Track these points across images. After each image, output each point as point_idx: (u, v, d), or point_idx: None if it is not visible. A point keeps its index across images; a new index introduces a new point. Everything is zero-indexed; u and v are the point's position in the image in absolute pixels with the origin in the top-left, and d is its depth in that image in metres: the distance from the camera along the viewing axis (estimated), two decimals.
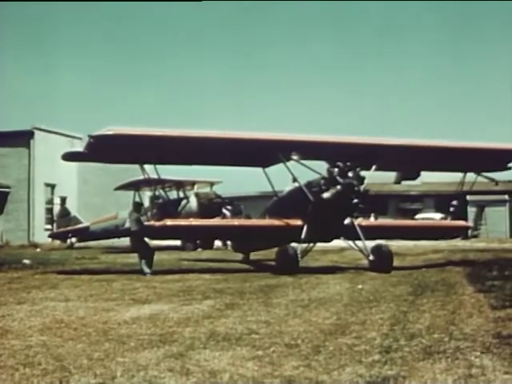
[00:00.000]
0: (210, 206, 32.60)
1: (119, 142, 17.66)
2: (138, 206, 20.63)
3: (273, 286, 14.72)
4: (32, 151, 41.16)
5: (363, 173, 18.80)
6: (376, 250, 18.78)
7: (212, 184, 36.11)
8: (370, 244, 19.02)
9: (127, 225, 29.23)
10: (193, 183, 35.95)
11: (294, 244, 18.50)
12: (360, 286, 14.23)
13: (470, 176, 21.14)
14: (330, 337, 8.69)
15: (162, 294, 13.72)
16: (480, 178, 20.79)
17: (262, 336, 8.81)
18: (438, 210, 48.55)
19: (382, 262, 18.31)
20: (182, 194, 33.75)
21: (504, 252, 27.26)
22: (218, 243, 33.64)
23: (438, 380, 6.53)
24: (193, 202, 32.71)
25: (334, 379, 6.67)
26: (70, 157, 21.80)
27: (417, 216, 49.28)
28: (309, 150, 18.71)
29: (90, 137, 17.68)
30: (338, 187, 18.05)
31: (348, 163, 18.33)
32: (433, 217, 45.87)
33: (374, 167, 19.39)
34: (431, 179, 54.20)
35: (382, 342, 8.25)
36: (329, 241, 20.21)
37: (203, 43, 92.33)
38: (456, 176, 21.86)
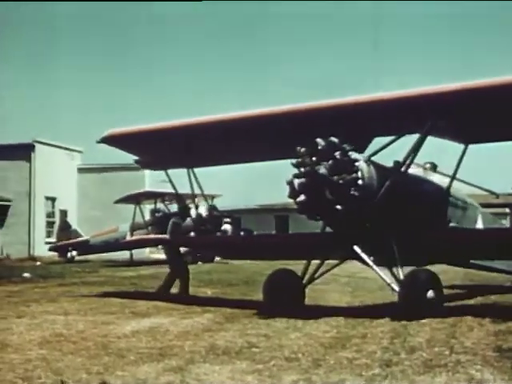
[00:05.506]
0: (211, 220, 32.46)
1: (129, 144, 15.39)
2: (183, 210, 18.08)
3: None
4: (32, 164, 41.19)
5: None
6: (409, 277, 11.72)
7: (213, 197, 36.01)
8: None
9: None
10: (194, 196, 35.81)
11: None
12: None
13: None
14: (331, 350, 8.66)
15: (161, 307, 13.68)
16: (480, 191, 20.03)
17: (261, 349, 8.78)
18: None
19: (411, 296, 11.42)
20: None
21: None
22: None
23: None
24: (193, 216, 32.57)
25: None
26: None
27: None
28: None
29: (97, 142, 16.29)
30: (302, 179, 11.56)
31: (334, 138, 11.68)
32: None
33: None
34: None
35: (383, 356, 8.22)
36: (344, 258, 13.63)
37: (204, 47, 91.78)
38: None
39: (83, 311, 13.14)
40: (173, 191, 32.84)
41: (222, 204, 36.26)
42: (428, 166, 13.93)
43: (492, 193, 19.48)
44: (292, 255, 15.06)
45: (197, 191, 16.52)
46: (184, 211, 17.83)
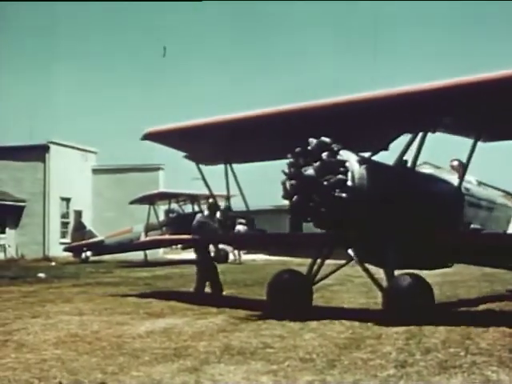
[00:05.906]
0: (225, 221, 32.48)
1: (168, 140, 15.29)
2: (213, 207, 17.55)
3: None
4: (47, 165, 41.39)
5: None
6: (394, 282, 11.19)
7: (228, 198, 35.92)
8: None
9: None
10: (207, 197, 35.89)
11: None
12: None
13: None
14: (345, 351, 8.64)
15: (176, 307, 13.70)
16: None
17: (276, 350, 8.77)
18: None
19: (395, 302, 10.92)
20: (196, 208, 33.77)
21: None
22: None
23: None
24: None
25: None
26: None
27: None
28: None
29: (140, 139, 16.08)
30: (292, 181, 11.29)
31: (326, 138, 11.24)
32: None
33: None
34: None
35: (398, 357, 8.19)
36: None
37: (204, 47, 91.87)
38: None
39: (98, 311, 13.18)
40: (187, 192, 33.02)
41: (236, 205, 36.20)
42: (456, 163, 13.51)
43: (508, 193, 19.07)
44: (294, 254, 15.32)
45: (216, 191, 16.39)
46: (213, 209, 17.51)
